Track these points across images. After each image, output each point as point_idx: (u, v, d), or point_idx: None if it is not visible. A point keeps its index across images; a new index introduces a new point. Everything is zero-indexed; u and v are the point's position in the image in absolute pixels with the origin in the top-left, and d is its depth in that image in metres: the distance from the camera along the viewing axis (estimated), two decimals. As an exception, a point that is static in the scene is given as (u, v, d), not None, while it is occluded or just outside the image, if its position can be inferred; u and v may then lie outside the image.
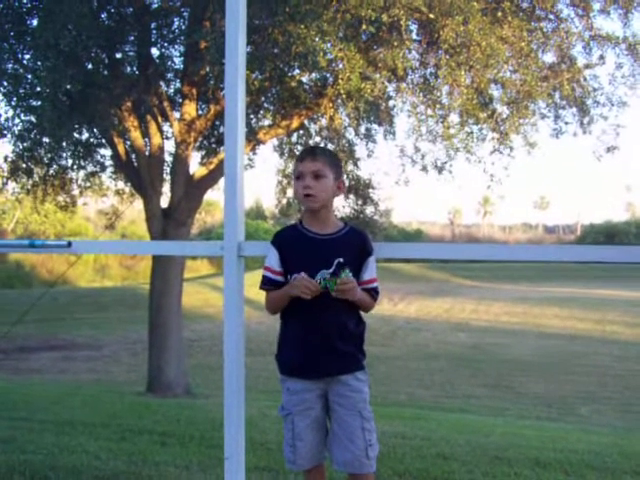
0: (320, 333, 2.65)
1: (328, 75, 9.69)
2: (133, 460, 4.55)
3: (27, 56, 9.78)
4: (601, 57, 9.60)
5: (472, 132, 10.07)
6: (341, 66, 8.69)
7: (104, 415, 7.11)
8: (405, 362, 17.24)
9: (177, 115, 11.25)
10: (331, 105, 9.97)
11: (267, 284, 2.73)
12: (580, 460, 5.00)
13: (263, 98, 10.67)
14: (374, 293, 2.74)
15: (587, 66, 9.80)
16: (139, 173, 11.45)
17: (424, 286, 35.74)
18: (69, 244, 3.06)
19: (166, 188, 11.85)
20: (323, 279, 2.61)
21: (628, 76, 9.61)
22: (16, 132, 10.24)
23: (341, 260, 2.63)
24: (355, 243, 2.72)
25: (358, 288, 2.64)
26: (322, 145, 11.21)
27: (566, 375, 15.68)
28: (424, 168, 10.86)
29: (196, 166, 11.92)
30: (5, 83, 9.65)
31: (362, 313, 2.77)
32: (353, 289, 2.60)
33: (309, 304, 2.60)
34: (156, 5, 10.49)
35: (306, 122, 11.43)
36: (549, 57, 9.74)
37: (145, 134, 11.31)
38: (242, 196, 2.90)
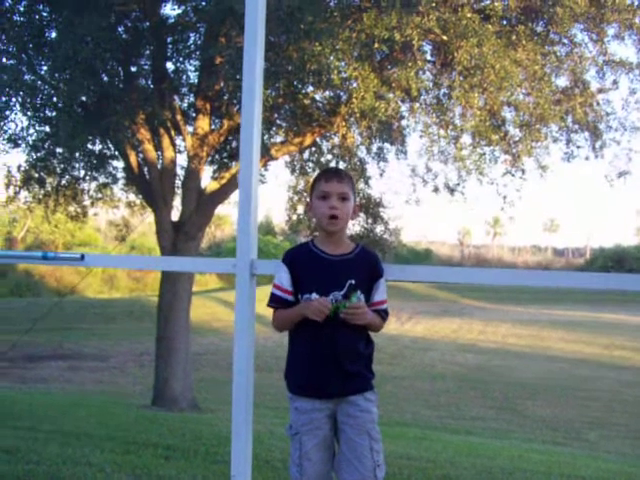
0: (330, 353, 2.64)
1: (342, 93, 9.73)
2: (137, 474, 4.54)
3: (45, 67, 9.87)
4: (614, 82, 9.61)
5: (484, 154, 10.08)
6: (355, 85, 8.73)
7: (109, 427, 7.10)
8: (411, 382, 17.16)
9: (190, 129, 11.30)
10: (344, 123, 9.99)
11: (276, 302, 2.73)
12: (587, 486, 4.97)
13: (276, 115, 10.72)
14: (384, 314, 2.74)
15: (600, 91, 9.82)
16: (151, 186, 11.49)
17: (432, 306, 35.62)
18: (82, 257, 3.07)
19: (177, 202, 11.91)
20: (335, 300, 2.61)
21: (641, 102, 9.62)
22: (30, 142, 10.32)
23: (353, 282, 2.63)
24: (366, 264, 2.72)
25: (369, 311, 2.64)
26: (334, 163, 11.26)
27: (573, 399, 15.57)
28: (436, 188, 10.88)
29: (208, 180, 11.97)
30: (22, 93, 9.73)
31: (371, 333, 2.76)
32: (363, 314, 2.60)
33: (319, 324, 2.60)
34: (172, 20, 10.57)
35: (318, 140, 11.46)
36: (562, 81, 9.78)
37: (158, 147, 11.37)
38: (256, 214, 2.91)
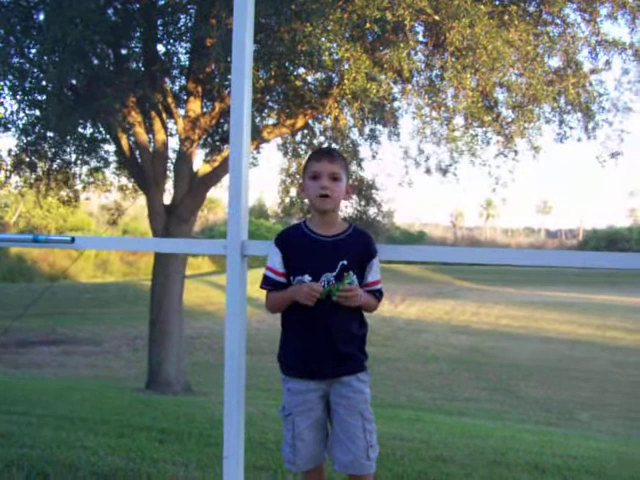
0: (323, 334, 2.64)
1: (333, 75, 9.68)
2: (131, 457, 4.54)
3: (33, 50, 9.78)
4: (607, 62, 9.57)
5: (477, 135, 10.07)
6: (347, 66, 8.68)
7: (103, 411, 7.11)
8: (405, 363, 17.21)
9: (182, 112, 11.25)
10: (336, 105, 9.95)
11: (268, 284, 2.72)
12: (579, 465, 4.99)
13: (268, 97, 10.67)
14: (378, 295, 2.74)
15: (593, 71, 9.78)
16: (142, 169, 11.45)
17: (425, 288, 35.69)
18: (72, 240, 3.05)
19: (169, 185, 11.87)
20: (327, 282, 2.60)
21: (634, 82, 9.60)
22: (20, 126, 10.25)
23: (345, 263, 2.62)
24: (359, 244, 2.71)
25: (362, 293, 2.63)
26: (326, 145, 11.21)
27: (566, 380, 15.66)
28: (428, 170, 10.88)
29: (200, 163, 11.93)
30: (11, 77, 9.65)
31: (365, 314, 2.76)
32: (356, 296, 2.60)
33: (312, 305, 2.60)
34: (162, 2, 10.48)
35: (310, 122, 11.41)
36: (555, 61, 9.73)
37: (149, 130, 11.32)
38: (246, 195, 2.89)
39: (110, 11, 10.09)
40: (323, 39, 8.36)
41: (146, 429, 5.73)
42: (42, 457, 4.41)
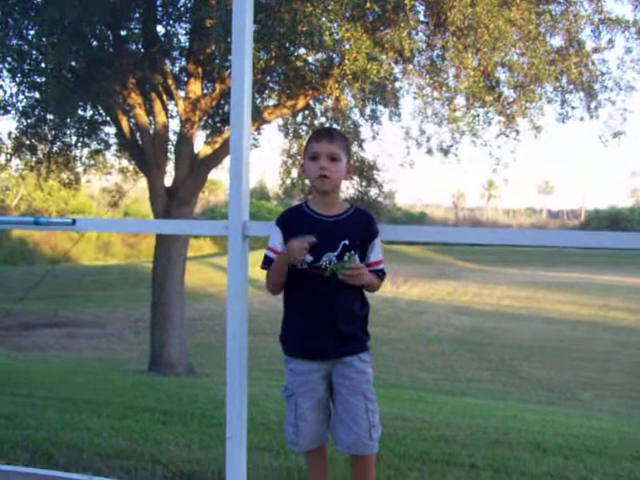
0: (325, 315, 2.63)
1: (334, 55, 9.63)
2: (135, 438, 4.57)
3: (32, 32, 9.73)
4: (610, 41, 9.51)
5: (478, 115, 10.04)
6: (347, 46, 8.63)
7: (106, 393, 7.14)
8: (407, 344, 17.27)
9: (182, 94, 11.20)
10: (337, 85, 9.90)
11: (269, 264, 2.70)
12: (581, 445, 5.01)
13: (268, 77, 10.62)
14: (381, 274, 2.73)
15: (595, 50, 9.71)
16: (143, 151, 11.42)
17: (427, 269, 35.74)
18: (74, 222, 3.05)
19: (170, 167, 11.85)
20: (329, 262, 2.59)
21: (637, 60, 9.53)
22: (20, 108, 10.23)
23: (347, 242, 2.62)
24: (361, 224, 2.69)
25: (367, 272, 2.63)
26: (327, 126, 11.18)
27: (568, 360, 15.70)
28: (429, 151, 10.86)
29: (201, 145, 11.90)
30: (9, 59, 9.61)
31: (367, 294, 2.75)
32: (362, 275, 2.59)
33: (314, 285, 2.60)
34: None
35: (311, 102, 11.37)
36: (557, 40, 9.66)
37: (150, 112, 11.27)
38: (247, 176, 2.88)
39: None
40: (323, 19, 8.31)
41: (149, 410, 5.75)
42: (46, 438, 4.43)
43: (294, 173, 12.20)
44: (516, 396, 11.52)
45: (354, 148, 11.47)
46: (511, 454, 4.47)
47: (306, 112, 11.82)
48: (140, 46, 10.77)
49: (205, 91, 11.15)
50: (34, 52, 9.67)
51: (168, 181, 11.66)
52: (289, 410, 2.74)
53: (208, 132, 11.98)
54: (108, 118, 11.46)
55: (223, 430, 2.88)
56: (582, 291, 28.17)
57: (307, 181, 10.67)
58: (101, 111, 11.33)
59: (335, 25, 8.51)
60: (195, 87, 10.87)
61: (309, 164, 2.70)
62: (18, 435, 4.45)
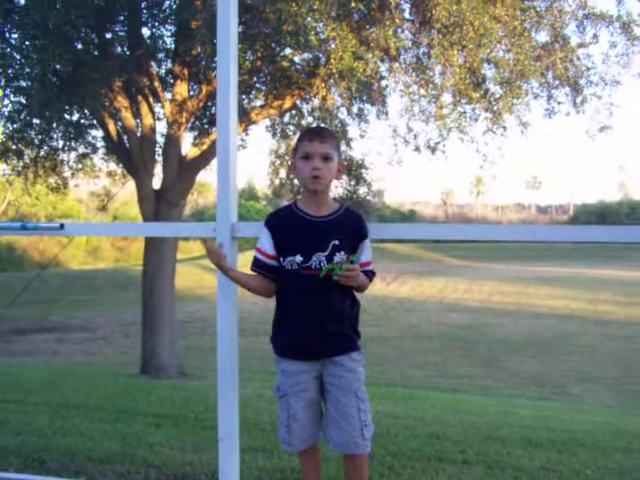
0: (315, 314, 2.63)
1: (320, 55, 9.63)
2: (127, 442, 4.55)
3: (15, 35, 9.66)
4: (595, 36, 9.56)
5: (465, 112, 10.05)
6: (333, 46, 8.63)
7: (98, 397, 7.11)
8: (398, 342, 17.29)
9: (169, 96, 11.17)
10: (323, 85, 9.90)
11: (258, 266, 2.70)
12: (572, 439, 5.03)
13: (255, 78, 10.61)
14: (371, 275, 2.74)
15: (580, 45, 9.76)
16: (131, 154, 11.39)
17: (417, 266, 35.78)
18: (62, 226, 3.03)
19: (158, 169, 11.81)
20: (319, 262, 2.59)
21: (622, 55, 9.58)
22: (6, 113, 10.16)
23: (337, 243, 2.61)
24: (351, 225, 2.69)
25: (361, 273, 2.64)
26: (317, 125, 11.18)
27: (559, 355, 15.77)
28: (417, 148, 10.86)
29: (188, 147, 11.87)
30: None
31: (356, 293, 2.76)
32: (357, 276, 2.60)
33: (304, 286, 2.60)
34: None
35: (298, 102, 11.37)
36: (542, 36, 9.71)
37: (136, 115, 11.23)
38: (235, 177, 2.88)
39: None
40: (309, 19, 8.31)
41: (141, 414, 5.73)
42: (38, 444, 4.41)
43: (282, 173, 12.20)
44: (507, 392, 11.56)
45: (342, 147, 11.48)
46: (503, 449, 4.48)
47: (293, 112, 11.82)
48: (125, 49, 10.73)
49: (192, 93, 11.12)
50: (18, 56, 9.61)
51: (156, 183, 11.63)
52: (282, 410, 2.74)
53: (195, 134, 11.95)
54: (95, 121, 11.41)
55: (216, 432, 2.87)
56: (572, 285, 28.27)
57: (296, 181, 10.68)
58: (87, 114, 11.28)
59: (321, 24, 8.51)
60: (181, 89, 10.84)
61: (301, 164, 2.67)
62: (10, 441, 4.42)
